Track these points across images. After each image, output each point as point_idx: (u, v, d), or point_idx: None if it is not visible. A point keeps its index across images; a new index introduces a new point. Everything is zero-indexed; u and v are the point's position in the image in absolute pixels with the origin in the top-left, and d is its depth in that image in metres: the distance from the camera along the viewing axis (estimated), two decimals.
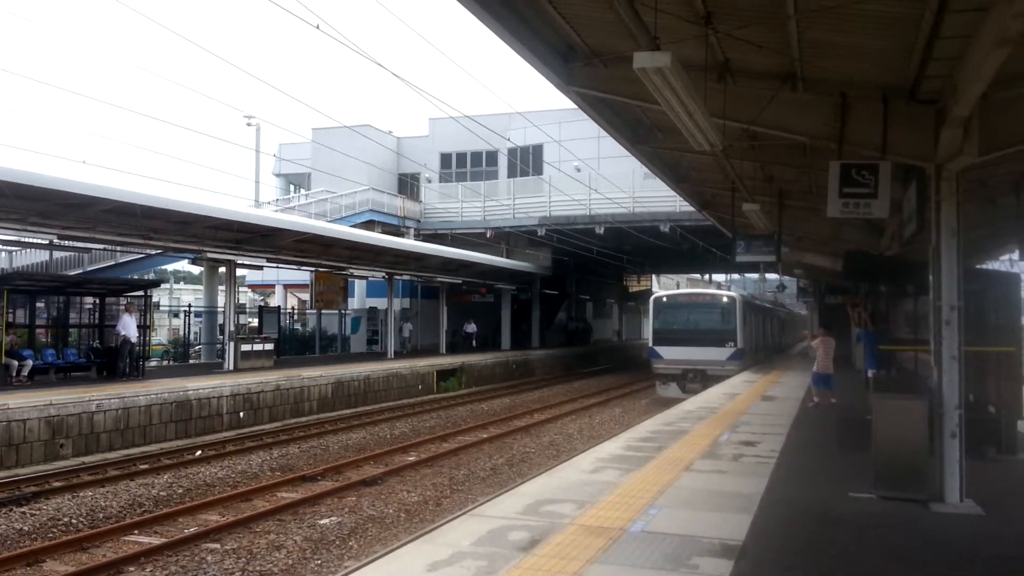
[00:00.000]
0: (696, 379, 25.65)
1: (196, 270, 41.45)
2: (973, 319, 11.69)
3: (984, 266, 22.61)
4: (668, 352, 26.76)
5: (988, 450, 10.37)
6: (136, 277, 28.02)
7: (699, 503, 7.69)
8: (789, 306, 58.79)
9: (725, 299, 27.99)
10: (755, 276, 39.81)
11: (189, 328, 33.41)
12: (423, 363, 28.57)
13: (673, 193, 23.67)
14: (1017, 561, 6.05)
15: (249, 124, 36.84)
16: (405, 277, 34.02)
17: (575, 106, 11.31)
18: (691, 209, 25.35)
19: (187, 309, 32.44)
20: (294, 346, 35.20)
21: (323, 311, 36.27)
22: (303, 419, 20.70)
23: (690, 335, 26.78)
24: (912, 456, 7.66)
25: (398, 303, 37.49)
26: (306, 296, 41.45)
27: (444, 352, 34.83)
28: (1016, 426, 10.68)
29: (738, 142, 10.83)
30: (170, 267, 62.61)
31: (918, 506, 7.55)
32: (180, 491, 13.07)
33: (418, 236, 40.48)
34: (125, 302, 21.14)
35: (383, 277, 32.39)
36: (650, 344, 27.79)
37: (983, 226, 15.83)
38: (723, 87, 8.81)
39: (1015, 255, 16.24)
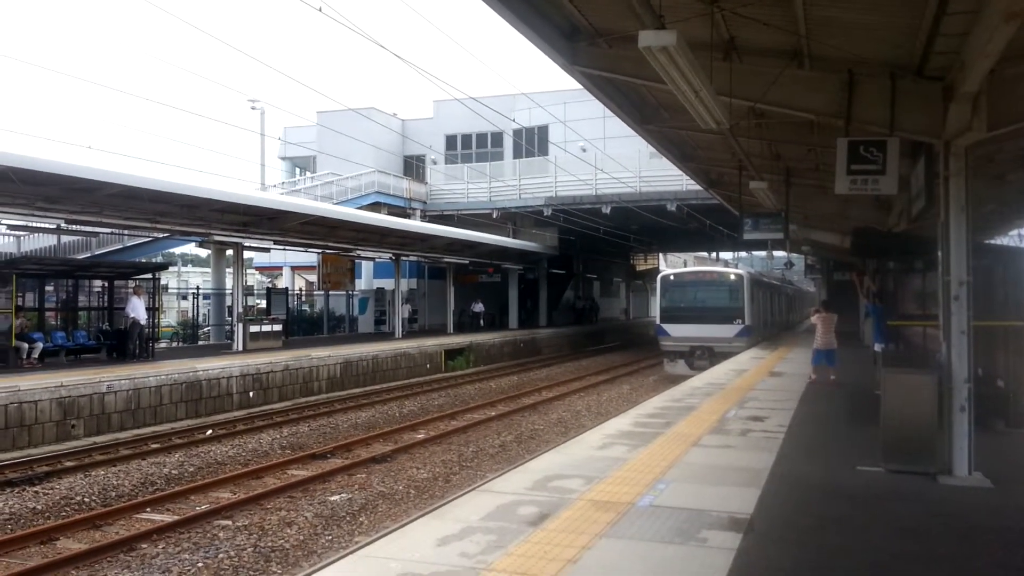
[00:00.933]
0: (704, 356, 25.64)
1: (204, 253, 41.66)
2: (982, 294, 11.72)
3: (992, 242, 22.58)
4: (675, 330, 26.72)
5: (996, 423, 10.40)
6: (144, 260, 28.16)
7: (707, 478, 7.76)
8: (797, 283, 58.70)
9: (732, 277, 27.85)
10: (763, 254, 39.77)
11: (197, 310, 33.56)
12: (431, 343, 28.68)
13: (679, 172, 23.65)
14: (1022, 531, 6.10)
15: (254, 108, 36.82)
16: (412, 258, 34.08)
17: (580, 86, 11.29)
18: (697, 188, 25.36)
19: (195, 291, 32.59)
20: (302, 327, 35.36)
21: (331, 292, 36.38)
22: (312, 398, 20.86)
23: (697, 313, 26.73)
24: (921, 430, 7.71)
25: (405, 284, 37.56)
26: (313, 278, 41.53)
27: (452, 332, 34.94)
28: None
29: (745, 120, 10.81)
30: (178, 250, 62.77)
31: (926, 479, 7.61)
32: (191, 469, 13.21)
33: (424, 217, 40.50)
34: (133, 285, 21.26)
35: (390, 258, 32.45)
36: (657, 322, 27.76)
37: (991, 202, 15.82)
38: (729, 65, 8.79)
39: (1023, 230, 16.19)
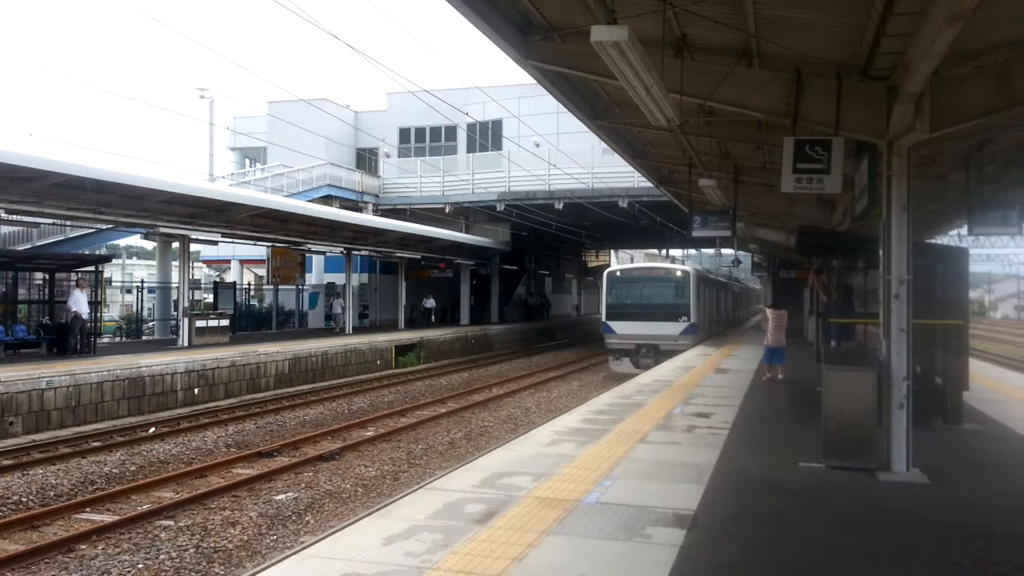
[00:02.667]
0: (649, 354, 25.47)
1: (150, 245, 40.74)
2: (923, 293, 11.97)
3: (934, 241, 23.12)
4: (621, 327, 26.41)
5: (935, 421, 10.64)
6: (87, 252, 27.48)
7: (653, 474, 7.79)
8: (744, 280, 59.50)
9: (679, 273, 27.64)
10: (712, 251, 40.25)
11: (142, 304, 32.86)
12: (381, 338, 28.47)
13: (631, 169, 23.82)
14: (959, 527, 6.22)
15: (202, 97, 36.12)
16: (363, 252, 33.77)
17: (534, 81, 11.24)
18: (649, 185, 25.54)
19: (140, 285, 31.88)
20: (250, 322, 34.84)
21: (280, 287, 35.90)
22: (259, 395, 20.55)
23: (643, 310, 26.49)
24: (860, 426, 7.82)
25: (356, 278, 37.20)
26: (263, 272, 40.98)
27: (403, 327, 34.72)
28: (961, 397, 10.94)
29: (695, 118, 10.88)
30: (123, 242, 61.43)
31: (866, 475, 7.73)
32: (133, 468, 12.92)
33: (377, 211, 40.17)
34: (75, 277, 20.72)
35: (341, 252, 32.11)
36: (603, 319, 27.32)
37: (934, 202, 16.19)
38: (680, 62, 8.83)
39: (964, 230, 16.59)
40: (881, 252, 8.01)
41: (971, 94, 7.92)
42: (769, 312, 16.72)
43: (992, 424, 11.14)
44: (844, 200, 13.51)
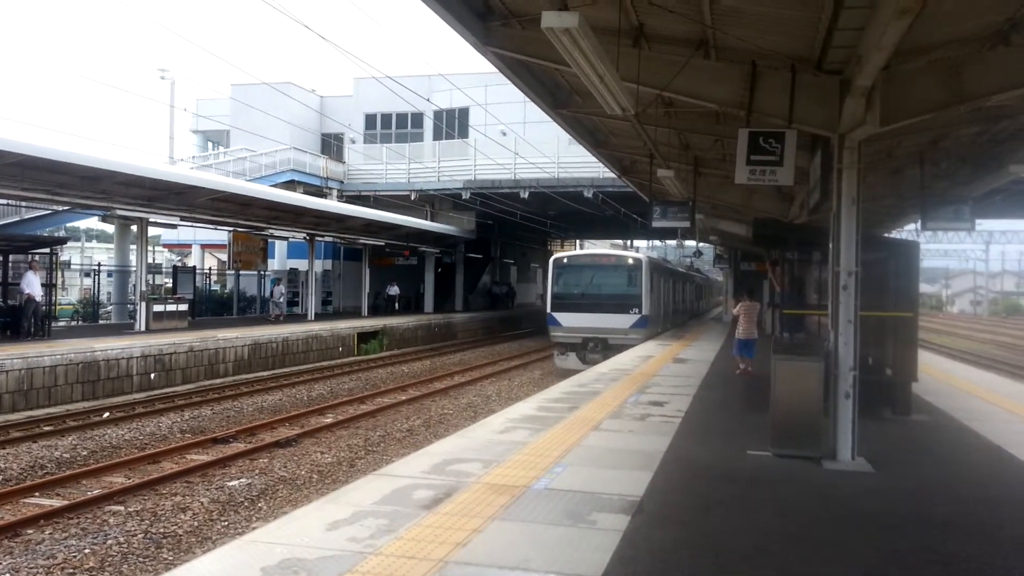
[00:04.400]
0: (597, 348, 23.66)
1: (110, 228, 40.11)
2: (876, 286, 12.17)
3: (890, 235, 23.48)
4: (567, 319, 24.51)
5: (884, 411, 10.83)
6: (43, 234, 26.98)
7: (603, 461, 7.84)
8: (707, 272, 59.84)
9: (630, 261, 25.57)
10: (674, 242, 40.53)
11: (99, 288, 32.35)
12: (344, 325, 28.32)
13: (596, 159, 23.83)
14: (898, 515, 6.34)
15: (163, 78, 35.57)
16: (327, 239, 33.56)
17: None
18: (613, 176, 25.49)
19: (97, 268, 31.37)
20: (211, 307, 34.47)
21: (242, 272, 35.51)
22: (217, 381, 20.36)
23: (591, 300, 24.58)
24: (807, 416, 7.94)
25: (320, 265, 36.93)
26: (225, 256, 40.50)
27: (366, 314, 34.57)
28: (910, 389, 11.14)
29: (653, 108, 10.91)
30: (83, 225, 60.42)
31: (811, 463, 7.84)
32: (85, 453, 12.77)
33: (341, 197, 39.89)
34: (30, 259, 20.34)
35: (304, 238, 31.86)
36: (547, 310, 25.29)
37: (889, 196, 16.42)
38: (638, 52, 8.82)
39: (919, 224, 16.86)
40: (831, 244, 8.11)
41: (922, 89, 8.01)
42: (739, 306, 16.41)
43: (940, 415, 11.36)
44: (801, 193, 13.66)
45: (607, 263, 25.97)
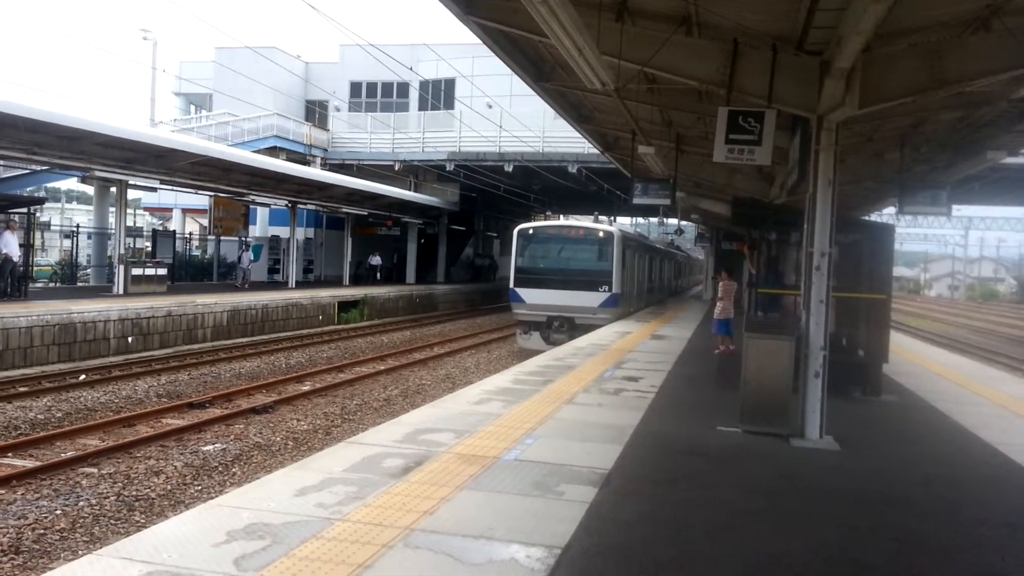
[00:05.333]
0: (563, 328, 22.13)
1: (90, 190, 39.66)
2: (852, 267, 12.26)
3: (868, 218, 23.64)
4: (531, 295, 22.67)
5: (854, 391, 10.97)
6: (21, 193, 26.67)
7: (575, 434, 7.91)
8: (689, 251, 59.87)
9: (600, 234, 23.57)
10: (656, 220, 40.60)
11: (77, 249, 32.07)
12: (325, 294, 28.26)
13: (580, 135, 23.73)
14: (862, 494, 6.45)
15: (145, 39, 35.02)
16: (310, 207, 33.35)
17: None
18: (597, 151, 25.46)
19: (76, 230, 31.08)
20: (190, 272, 34.24)
21: (223, 238, 35.29)
22: (195, 346, 20.31)
23: (557, 276, 22.87)
24: (777, 394, 8.03)
25: (302, 232, 36.73)
26: (206, 221, 40.22)
27: (348, 284, 34.47)
28: (881, 369, 11.29)
29: (635, 84, 10.88)
30: (64, 185, 59.77)
31: (780, 441, 7.95)
32: (59, 415, 12.75)
33: (325, 165, 39.62)
34: (7, 219, 20.12)
35: (286, 205, 31.66)
36: (511, 285, 23.28)
37: (869, 179, 16.49)
38: (620, 26, 8.79)
39: (896, 208, 16.99)
40: (806, 225, 8.17)
41: (901, 72, 8.06)
42: (720, 283, 16.32)
43: (909, 396, 11.53)
44: (782, 173, 13.71)
45: (575, 236, 23.99)
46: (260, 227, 38.35)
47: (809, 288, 7.96)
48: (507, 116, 35.60)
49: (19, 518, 8.14)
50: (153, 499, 9.03)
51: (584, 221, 24.72)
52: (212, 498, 8.57)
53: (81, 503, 8.69)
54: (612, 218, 43.28)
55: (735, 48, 8.44)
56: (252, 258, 31.37)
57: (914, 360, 16.15)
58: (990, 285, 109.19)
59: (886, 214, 28.13)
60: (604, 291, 22.36)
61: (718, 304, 16.02)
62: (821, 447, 7.85)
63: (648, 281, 30.81)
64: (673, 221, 35.44)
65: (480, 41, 11.24)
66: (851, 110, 7.82)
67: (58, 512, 8.40)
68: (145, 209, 48.81)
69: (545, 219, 60.75)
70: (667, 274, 39.86)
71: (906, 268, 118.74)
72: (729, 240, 33.37)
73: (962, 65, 7.88)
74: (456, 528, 5.06)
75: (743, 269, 23.15)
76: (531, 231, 24.29)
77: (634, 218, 55.11)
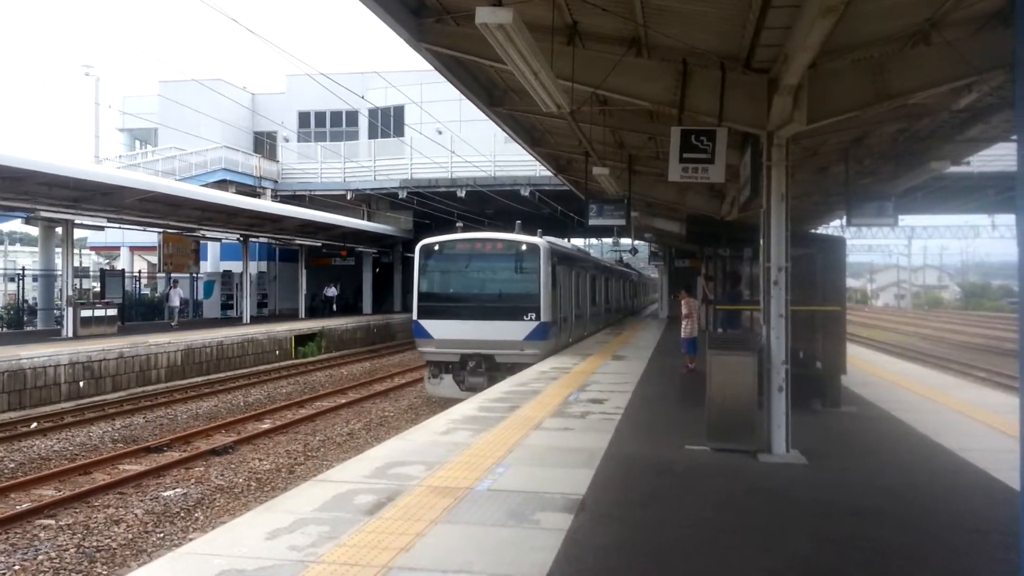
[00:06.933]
0: (480, 369, 17.86)
1: (34, 231, 38.77)
2: (805, 280, 12.45)
3: (817, 231, 24.08)
4: (439, 328, 18.13)
5: (815, 404, 11.08)
6: None
7: (545, 460, 7.87)
8: (642, 269, 60.09)
9: (523, 247, 18.51)
10: (611, 240, 40.84)
11: (23, 293, 31.26)
12: (281, 328, 27.88)
13: (532, 158, 23.81)
14: (831, 504, 6.51)
15: (88, 74, 34.47)
16: (262, 240, 32.99)
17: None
18: (549, 174, 25.50)
19: (21, 272, 30.32)
20: (141, 312, 33.59)
21: (173, 275, 34.67)
22: (150, 388, 19.85)
23: (471, 302, 18.32)
24: (742, 410, 8.09)
25: (255, 266, 36.30)
26: (155, 259, 39.48)
27: (303, 316, 34.11)
28: (840, 381, 11.44)
29: (588, 106, 10.99)
30: (5, 227, 58.28)
31: (747, 457, 7.99)
32: (12, 465, 12.37)
33: (276, 197, 39.30)
34: None
35: (238, 239, 31.26)
36: (414, 316, 18.76)
37: (816, 193, 16.84)
38: (572, 50, 8.88)
39: (843, 220, 17.32)
40: (761, 240, 8.27)
41: (847, 87, 8.26)
42: (683, 301, 15.82)
43: (868, 407, 11.69)
44: (732, 190, 13.91)
45: (492, 251, 18.94)
46: (212, 262, 37.81)
47: (768, 303, 8.05)
48: (458, 141, 35.69)
49: None
50: (115, 549, 8.76)
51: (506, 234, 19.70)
52: (176, 546, 8.39)
53: (40, 557, 8.41)
54: (567, 239, 43.39)
55: (685, 68, 8.58)
56: (182, 295, 30.24)
57: (869, 370, 16.41)
58: (935, 293, 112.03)
59: (833, 227, 28.69)
60: (530, 319, 17.83)
61: (684, 322, 15.72)
62: (788, 461, 7.90)
63: (591, 304, 26.31)
64: (627, 241, 35.57)
65: (431, 67, 11.24)
66: (799, 126, 7.98)
67: (16, 567, 8.13)
68: (92, 248, 47.78)
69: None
70: (616, 295, 36.58)
71: (853, 279, 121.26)
72: (682, 258, 33.73)
73: (905, 78, 8.10)
74: (434, 564, 4.98)
75: (698, 286, 23.46)
76: (436, 246, 19.02)
77: (587, 239, 55.41)
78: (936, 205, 33.59)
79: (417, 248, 19.26)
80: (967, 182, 26.77)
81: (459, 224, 23.92)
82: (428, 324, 18.25)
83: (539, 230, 20.22)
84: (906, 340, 42.71)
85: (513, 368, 16.73)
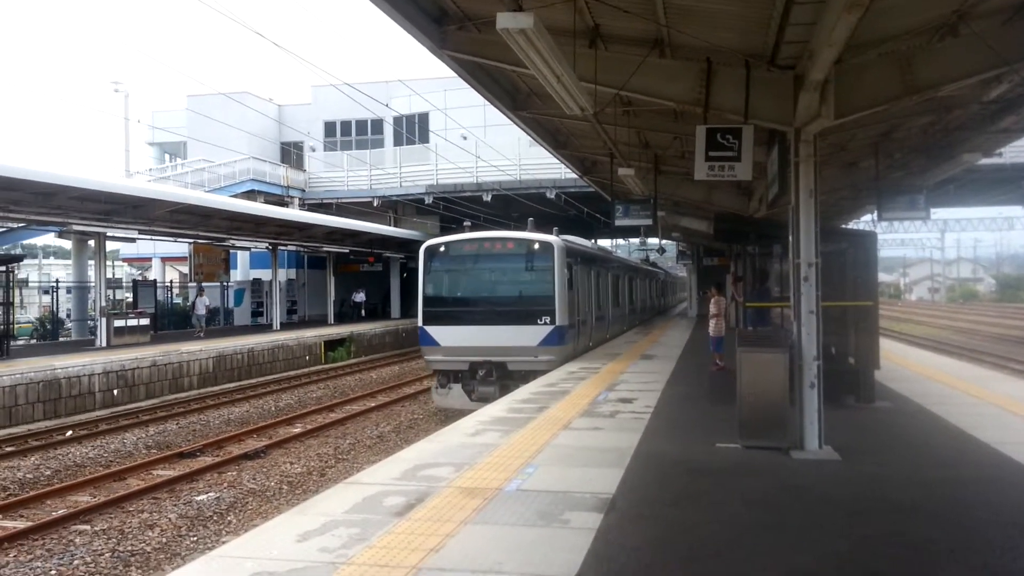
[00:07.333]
0: (491, 378, 16.60)
1: (67, 244, 39.46)
2: (837, 275, 12.33)
3: (847, 226, 23.81)
4: (446, 335, 16.94)
5: (847, 399, 10.97)
6: None
7: (574, 460, 7.85)
8: (671, 268, 59.66)
9: (536, 246, 17.19)
10: (638, 240, 40.71)
11: (58, 304, 31.78)
12: (310, 334, 28.10)
13: (557, 160, 23.76)
14: (866, 501, 6.43)
15: (117, 90, 34.99)
16: (290, 247, 33.29)
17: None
18: (575, 176, 25.40)
19: (56, 285, 30.83)
20: (173, 320, 34.00)
21: (204, 284, 35.13)
22: (182, 395, 20.10)
23: (480, 307, 17.16)
24: (774, 407, 8.01)
25: (284, 274, 36.62)
26: (186, 269, 40.01)
27: (332, 322, 34.33)
28: (873, 376, 11.29)
29: (612, 108, 10.96)
30: (40, 241, 59.24)
31: (780, 454, 7.92)
32: (48, 473, 12.56)
33: (303, 206, 39.64)
34: None
35: (267, 248, 31.55)
36: (419, 322, 17.42)
37: (845, 188, 16.66)
38: (594, 52, 8.88)
39: (874, 215, 17.13)
40: (791, 236, 8.21)
41: (874, 81, 8.16)
42: (713, 299, 15.43)
43: (902, 401, 11.53)
44: (760, 188, 13.81)
45: (501, 251, 17.64)
46: (241, 271, 38.22)
47: (799, 299, 7.98)
48: (483, 146, 35.77)
49: None
50: (149, 553, 8.87)
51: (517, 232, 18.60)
52: (209, 549, 8.48)
53: (76, 562, 8.55)
54: (593, 240, 43.30)
55: (709, 67, 8.53)
56: (208, 303, 30.01)
57: (903, 364, 16.20)
58: (970, 285, 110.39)
59: (864, 222, 28.39)
60: (544, 323, 16.58)
61: (712, 321, 15.39)
62: (822, 458, 7.82)
63: (614, 305, 25.05)
64: (654, 240, 35.37)
65: (454, 74, 11.30)
66: (827, 121, 7.90)
67: (53, 573, 8.28)
68: (124, 260, 48.51)
69: None
70: (643, 294, 35.23)
71: (885, 274, 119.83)
72: (711, 256, 33.51)
73: (933, 71, 7.99)
74: (465, 564, 4.98)
75: (725, 284, 23.28)
76: (442, 247, 17.82)
77: (613, 239, 55.28)
78: (969, 197, 33.15)
79: (421, 249, 17.91)
80: (1000, 173, 26.40)
81: (467, 223, 22.20)
82: (434, 331, 17.07)
83: (555, 228, 18.97)
84: (941, 334, 42.10)
85: (527, 376, 15.60)
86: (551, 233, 17.97)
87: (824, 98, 7.78)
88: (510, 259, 17.39)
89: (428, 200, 38.27)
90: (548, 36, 6.29)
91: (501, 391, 15.21)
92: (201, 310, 29.20)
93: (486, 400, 14.51)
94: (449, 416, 17.00)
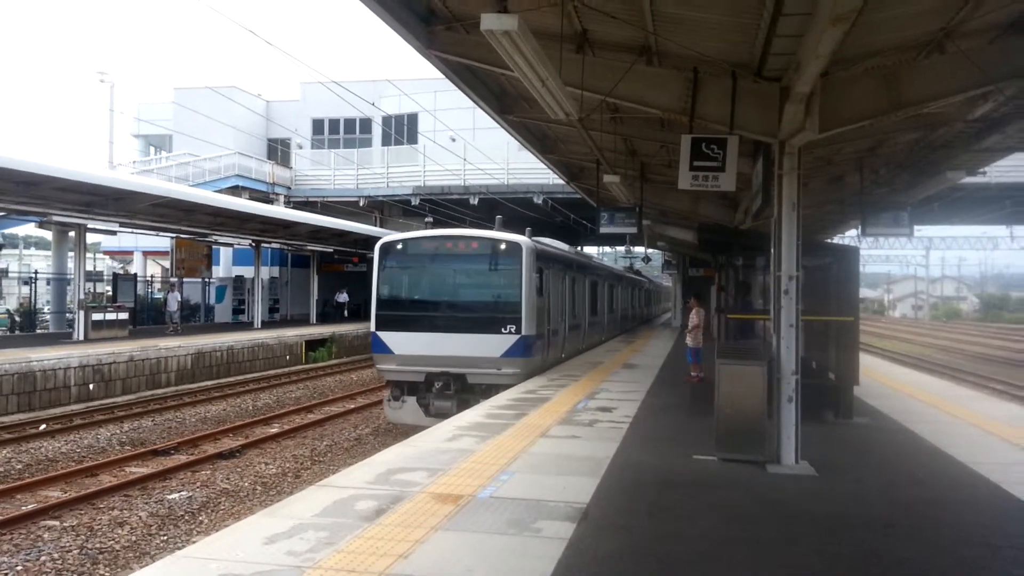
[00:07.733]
0: (449, 391, 14.99)
1: (49, 235, 39.03)
2: (819, 290, 12.34)
3: (831, 241, 23.92)
4: (401, 342, 15.27)
5: (826, 415, 10.96)
6: None
7: (550, 468, 7.79)
8: (655, 278, 59.66)
9: (502, 246, 15.48)
10: (624, 249, 40.74)
11: (36, 296, 31.44)
12: (291, 333, 27.92)
13: (545, 166, 23.71)
14: (841, 517, 6.40)
15: (103, 81, 34.69)
16: (274, 245, 33.04)
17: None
18: (562, 182, 25.39)
19: (34, 276, 30.50)
20: (152, 316, 33.71)
21: (185, 279, 34.82)
22: (159, 391, 19.89)
23: (438, 312, 15.48)
24: (751, 420, 7.98)
25: (267, 271, 36.39)
26: (168, 264, 39.69)
27: (315, 322, 34.14)
28: (852, 392, 11.29)
29: (598, 114, 10.94)
30: (20, 231, 58.72)
31: (756, 467, 7.88)
32: (19, 467, 12.39)
33: (288, 203, 39.43)
34: None
35: (250, 245, 31.33)
36: (372, 327, 15.79)
37: (830, 202, 16.70)
38: (582, 58, 8.85)
39: (859, 230, 17.19)
40: (772, 249, 8.18)
41: (860, 96, 8.17)
42: (693, 311, 15.26)
43: (881, 418, 11.53)
44: (746, 199, 13.82)
45: (464, 251, 15.89)
46: (224, 267, 37.94)
47: (779, 312, 7.95)
48: (471, 149, 35.71)
49: None
50: (118, 551, 8.75)
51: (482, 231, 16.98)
52: (179, 548, 8.35)
53: (43, 558, 8.41)
54: (579, 247, 43.28)
55: (695, 76, 8.51)
56: (179, 298, 29.49)
57: (883, 381, 16.23)
58: (953, 304, 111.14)
59: (849, 237, 28.50)
60: (510, 332, 14.96)
61: (691, 333, 15.43)
62: (798, 472, 7.79)
63: (591, 314, 23.40)
64: (640, 249, 35.36)
65: (442, 75, 11.23)
66: (812, 134, 7.89)
67: (19, 568, 8.14)
68: (105, 253, 48.06)
69: None
70: (625, 303, 34.10)
71: (869, 289, 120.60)
72: (696, 266, 33.57)
73: (918, 87, 8.00)
74: (432, 571, 4.92)
75: (710, 296, 23.29)
76: (399, 245, 16.01)
77: (600, 247, 55.34)
78: (954, 216, 33.35)
79: (377, 246, 16.09)
80: (984, 192, 26.58)
81: (428, 219, 21.09)
82: (388, 337, 15.38)
83: (528, 228, 17.74)
84: (922, 351, 42.32)
85: (488, 391, 14.29)
86: (525, 234, 16.61)
87: (809, 111, 7.77)
88: (474, 260, 15.78)
89: (415, 201, 38.15)
90: (533, 39, 6.24)
91: (460, 406, 13.91)
92: (173, 306, 28.54)
93: (443, 416, 13.39)
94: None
